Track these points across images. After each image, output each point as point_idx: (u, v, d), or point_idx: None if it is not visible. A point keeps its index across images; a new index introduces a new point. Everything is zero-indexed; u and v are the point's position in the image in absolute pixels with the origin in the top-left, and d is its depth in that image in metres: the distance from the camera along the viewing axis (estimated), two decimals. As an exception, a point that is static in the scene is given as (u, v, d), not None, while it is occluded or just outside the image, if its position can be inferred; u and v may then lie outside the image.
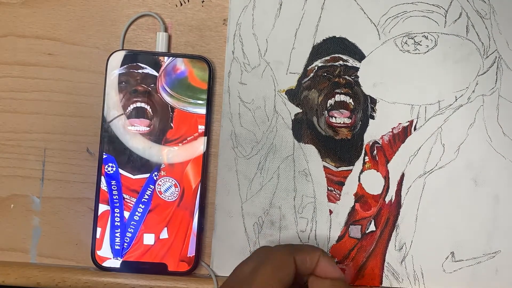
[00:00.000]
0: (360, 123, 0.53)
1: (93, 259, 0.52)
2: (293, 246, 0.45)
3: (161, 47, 0.53)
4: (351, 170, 0.53)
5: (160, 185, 0.52)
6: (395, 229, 0.52)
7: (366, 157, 0.53)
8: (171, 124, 0.52)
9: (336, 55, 0.53)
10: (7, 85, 0.54)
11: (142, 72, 0.52)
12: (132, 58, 0.52)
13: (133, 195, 0.52)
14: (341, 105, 0.53)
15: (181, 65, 0.53)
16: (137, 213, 0.52)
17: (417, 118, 0.53)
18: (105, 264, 0.52)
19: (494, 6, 0.53)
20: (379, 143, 0.53)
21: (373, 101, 0.53)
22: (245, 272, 0.43)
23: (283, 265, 0.43)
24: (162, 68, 0.52)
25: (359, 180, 0.53)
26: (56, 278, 0.51)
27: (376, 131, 0.53)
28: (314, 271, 0.45)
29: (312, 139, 0.53)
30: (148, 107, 0.52)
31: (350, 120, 0.53)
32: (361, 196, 0.53)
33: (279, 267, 0.43)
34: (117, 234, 0.52)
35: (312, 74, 0.53)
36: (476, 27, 0.53)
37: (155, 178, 0.52)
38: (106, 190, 0.52)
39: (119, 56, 0.52)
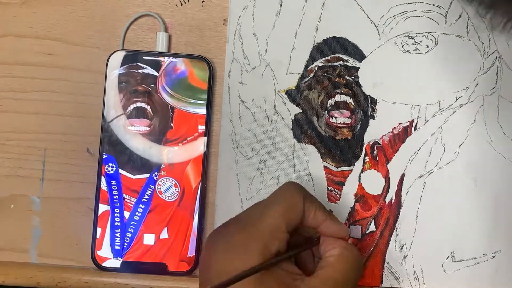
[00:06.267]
0: (360, 123, 0.53)
1: (93, 259, 0.52)
2: (307, 193, 0.45)
3: (161, 47, 0.53)
4: (351, 170, 0.53)
5: (160, 185, 0.52)
6: (395, 229, 0.52)
7: (366, 157, 0.53)
8: (171, 124, 0.52)
9: (336, 55, 0.53)
10: (7, 85, 0.54)
11: (142, 72, 0.52)
12: (132, 58, 0.52)
13: (133, 195, 0.52)
14: (341, 105, 0.53)
15: (181, 65, 0.53)
16: (137, 213, 0.52)
17: (417, 118, 0.53)
18: (105, 264, 0.52)
19: (495, 6, 0.53)
20: (379, 143, 0.53)
21: (373, 101, 0.53)
22: (257, 209, 0.44)
23: (293, 208, 0.44)
24: (162, 68, 0.52)
25: (359, 180, 0.53)
26: (56, 278, 0.51)
27: (376, 131, 0.53)
28: (319, 228, 0.45)
29: (312, 139, 0.53)
30: (148, 107, 0.52)
31: (350, 120, 0.53)
32: (361, 196, 0.53)
33: (289, 209, 0.44)
34: (117, 234, 0.52)
35: (312, 74, 0.53)
36: (476, 27, 0.53)
37: (155, 178, 0.52)
38: (106, 190, 0.52)
39: (119, 56, 0.52)
